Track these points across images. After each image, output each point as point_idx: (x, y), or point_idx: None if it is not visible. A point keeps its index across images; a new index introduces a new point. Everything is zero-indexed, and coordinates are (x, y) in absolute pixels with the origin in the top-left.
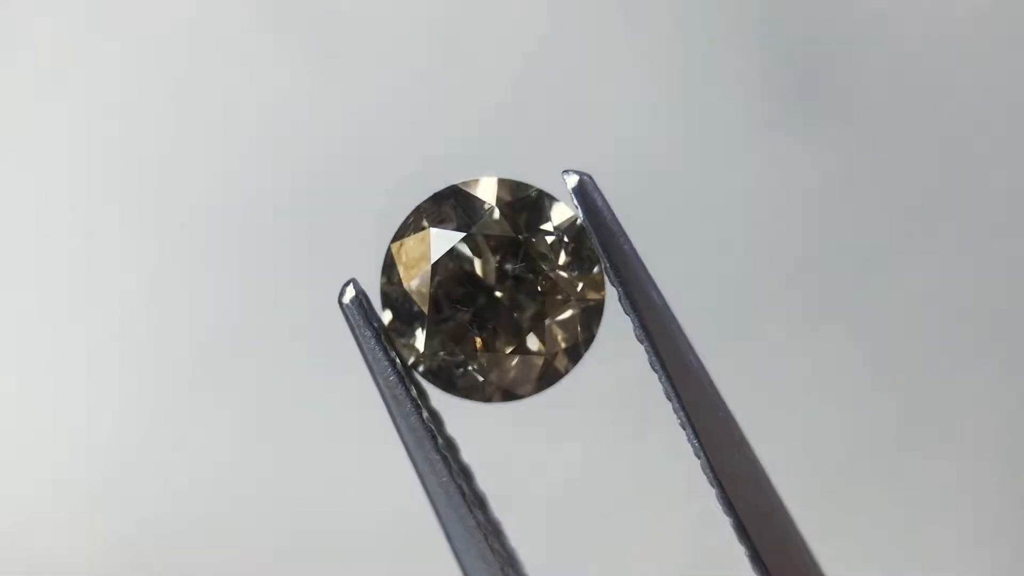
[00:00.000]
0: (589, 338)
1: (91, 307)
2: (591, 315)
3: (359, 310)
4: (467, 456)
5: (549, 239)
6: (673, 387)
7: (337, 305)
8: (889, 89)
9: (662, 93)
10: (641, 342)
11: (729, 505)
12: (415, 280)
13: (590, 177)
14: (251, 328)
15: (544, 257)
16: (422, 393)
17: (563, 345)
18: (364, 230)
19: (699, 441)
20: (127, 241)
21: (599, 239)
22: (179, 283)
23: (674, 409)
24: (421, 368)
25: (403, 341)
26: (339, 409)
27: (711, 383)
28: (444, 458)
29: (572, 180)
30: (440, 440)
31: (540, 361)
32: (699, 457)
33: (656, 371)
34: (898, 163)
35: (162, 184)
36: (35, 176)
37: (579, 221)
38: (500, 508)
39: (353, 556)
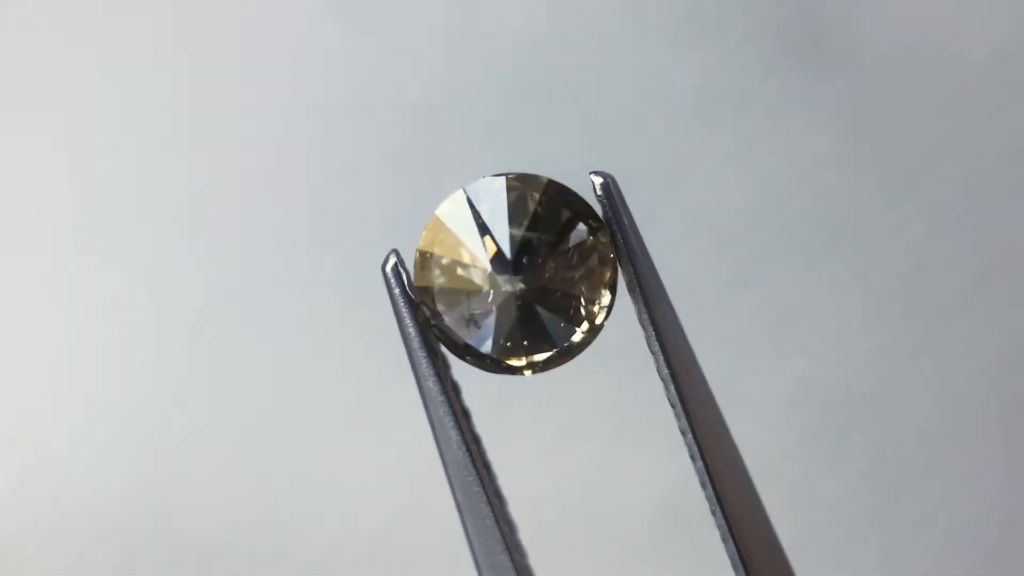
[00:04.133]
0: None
1: (101, 278)
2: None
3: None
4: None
5: None
6: (682, 403)
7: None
8: (895, 34)
9: (666, 39)
10: (653, 353)
11: (721, 508)
12: None
13: (613, 179)
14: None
15: None
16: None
17: None
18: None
19: (701, 455)
20: (129, 214)
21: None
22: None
23: (677, 416)
24: None
25: None
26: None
27: (710, 395)
28: (458, 424)
29: (598, 182)
30: (457, 407)
31: None
32: (695, 461)
33: (665, 382)
34: (903, 108)
35: (175, 151)
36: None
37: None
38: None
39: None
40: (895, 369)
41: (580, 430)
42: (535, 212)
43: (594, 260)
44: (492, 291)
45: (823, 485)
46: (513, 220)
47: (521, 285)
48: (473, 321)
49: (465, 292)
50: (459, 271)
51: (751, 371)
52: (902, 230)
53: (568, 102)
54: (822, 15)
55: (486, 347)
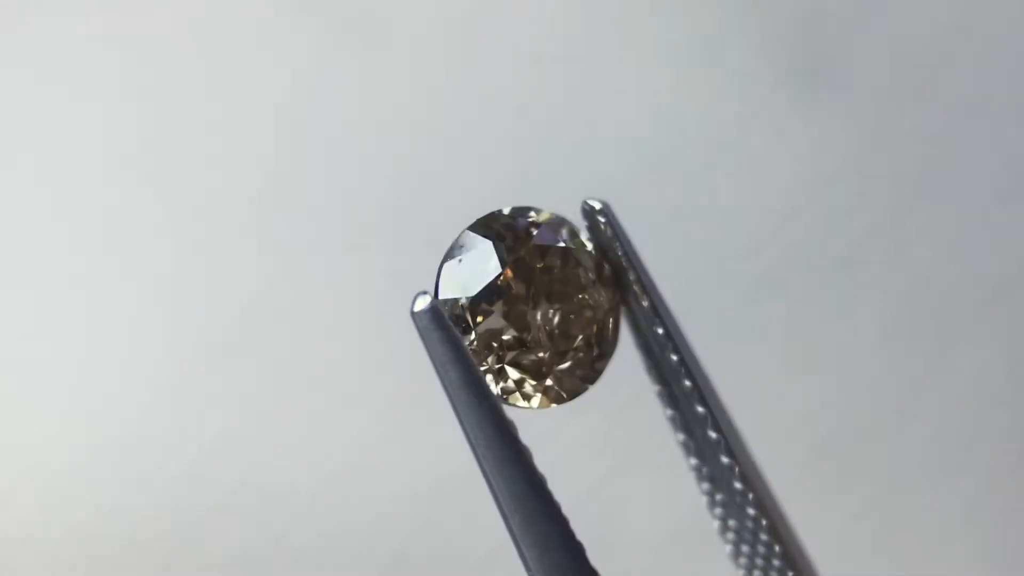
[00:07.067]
0: None
1: (123, 281)
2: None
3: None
4: None
5: None
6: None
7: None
8: (896, 56)
9: (668, 69)
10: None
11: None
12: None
13: (607, 206)
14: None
15: None
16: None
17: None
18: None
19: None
20: (150, 221)
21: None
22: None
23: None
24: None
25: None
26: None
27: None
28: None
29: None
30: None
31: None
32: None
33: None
34: (904, 130)
35: (197, 163)
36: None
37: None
38: None
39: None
40: (902, 391)
41: (589, 453)
42: None
43: None
44: None
45: (830, 507)
46: None
47: None
48: None
49: None
50: None
51: (756, 394)
52: (907, 250)
53: (570, 127)
54: (824, 38)
55: None
